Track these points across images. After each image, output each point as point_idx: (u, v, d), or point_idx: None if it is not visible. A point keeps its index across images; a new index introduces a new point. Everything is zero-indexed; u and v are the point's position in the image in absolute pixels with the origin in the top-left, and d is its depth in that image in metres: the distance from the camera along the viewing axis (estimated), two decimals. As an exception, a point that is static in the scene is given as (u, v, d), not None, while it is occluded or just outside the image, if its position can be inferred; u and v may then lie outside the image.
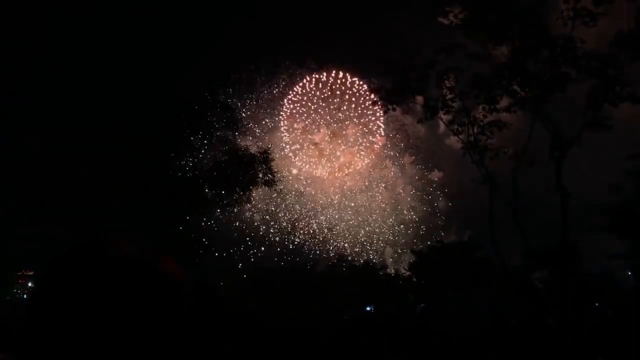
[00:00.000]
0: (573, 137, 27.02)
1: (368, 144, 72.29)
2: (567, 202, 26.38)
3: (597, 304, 35.86)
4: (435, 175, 73.68)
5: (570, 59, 25.77)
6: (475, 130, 28.69)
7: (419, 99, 30.24)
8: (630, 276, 36.13)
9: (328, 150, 70.63)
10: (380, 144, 73.01)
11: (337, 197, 70.47)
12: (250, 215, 64.83)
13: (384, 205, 71.28)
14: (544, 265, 32.88)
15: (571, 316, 25.73)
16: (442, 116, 29.78)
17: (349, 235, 69.75)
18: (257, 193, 31.13)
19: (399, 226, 71.26)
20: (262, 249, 65.28)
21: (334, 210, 69.98)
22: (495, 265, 35.01)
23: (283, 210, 68.03)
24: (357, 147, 71.71)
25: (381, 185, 72.29)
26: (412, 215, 71.63)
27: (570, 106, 28.81)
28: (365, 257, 65.19)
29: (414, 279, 52.44)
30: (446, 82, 28.47)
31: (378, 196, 71.61)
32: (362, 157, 72.15)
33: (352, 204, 70.50)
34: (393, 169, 73.92)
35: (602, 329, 26.18)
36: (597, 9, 24.93)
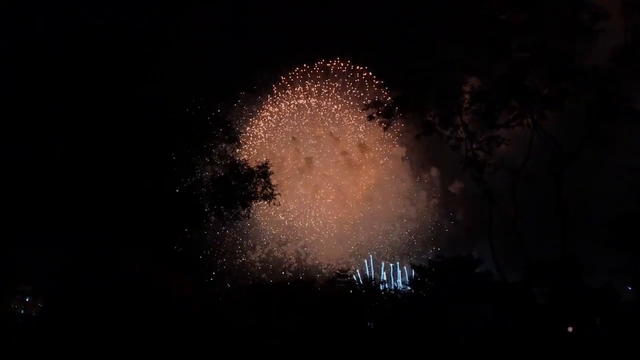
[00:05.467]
0: (572, 151, 27.14)
1: (387, 153, 70.97)
2: (566, 215, 26.43)
3: (597, 317, 35.61)
4: (456, 186, 71.55)
5: (568, 74, 25.95)
6: (474, 146, 28.77)
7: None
8: (631, 290, 35.94)
9: (354, 158, 69.72)
10: (400, 154, 71.59)
11: (350, 207, 69.52)
12: (254, 226, 64.07)
13: (403, 220, 69.99)
14: (545, 278, 32.79)
15: (571, 329, 25.64)
16: (441, 131, 29.81)
17: (356, 248, 68.83)
18: (263, 205, 30.88)
19: (416, 238, 69.93)
20: (266, 260, 64.53)
21: (345, 222, 68.85)
22: (496, 280, 34.89)
23: (290, 221, 67.02)
24: (376, 157, 70.67)
25: (397, 196, 70.97)
26: (436, 225, 70.05)
27: (569, 121, 28.91)
28: (372, 271, 64.48)
29: (414, 293, 52.13)
30: (445, 97, 28.61)
31: (395, 206, 70.39)
32: (381, 168, 71.01)
33: (370, 218, 69.34)
34: (412, 180, 72.55)
35: (602, 341, 26.04)
36: (595, 26, 25.25)
